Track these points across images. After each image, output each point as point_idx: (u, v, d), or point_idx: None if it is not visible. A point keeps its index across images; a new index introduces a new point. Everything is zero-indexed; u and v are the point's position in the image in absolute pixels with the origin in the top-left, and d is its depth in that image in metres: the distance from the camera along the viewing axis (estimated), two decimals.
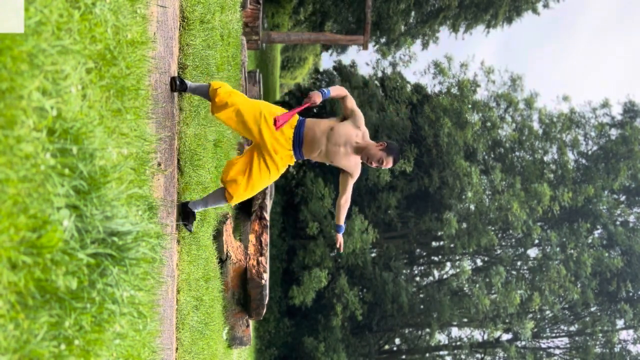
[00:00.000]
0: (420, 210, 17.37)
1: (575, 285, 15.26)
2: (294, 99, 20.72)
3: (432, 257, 19.36)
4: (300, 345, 16.26)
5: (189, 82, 3.34)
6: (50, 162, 1.20)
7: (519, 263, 17.26)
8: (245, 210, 6.32)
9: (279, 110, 3.29)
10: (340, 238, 3.53)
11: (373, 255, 17.77)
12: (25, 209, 1.14)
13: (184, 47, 3.68)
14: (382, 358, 19.40)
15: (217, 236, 5.30)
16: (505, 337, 17.85)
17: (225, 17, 5.30)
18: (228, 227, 5.60)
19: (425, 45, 19.75)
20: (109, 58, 1.63)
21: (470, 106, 16.28)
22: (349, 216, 14.55)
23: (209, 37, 4.25)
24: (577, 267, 14.97)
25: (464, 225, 15.86)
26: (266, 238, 6.10)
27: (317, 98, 3.17)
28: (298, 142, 3.26)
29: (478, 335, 18.02)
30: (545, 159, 17.06)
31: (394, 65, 18.12)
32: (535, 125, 17.11)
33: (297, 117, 3.29)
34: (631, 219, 16.80)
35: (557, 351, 17.89)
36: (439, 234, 16.90)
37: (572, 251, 15.48)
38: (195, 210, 3.48)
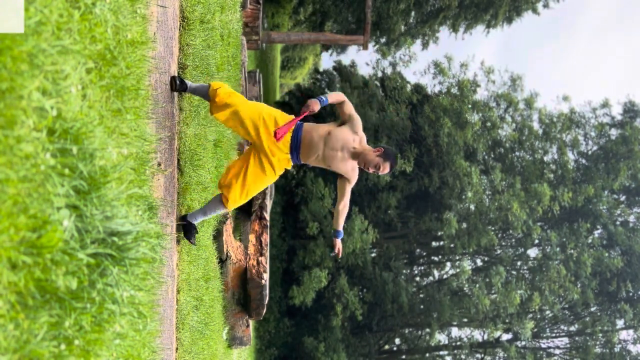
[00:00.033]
0: (420, 210, 17.37)
1: (575, 285, 15.26)
2: (294, 99, 20.72)
3: (432, 257, 19.36)
4: (300, 345, 16.26)
5: (189, 82, 3.34)
6: (50, 162, 1.20)
7: (519, 263, 17.26)
8: (245, 210, 6.32)
9: (278, 113, 3.29)
10: (338, 243, 3.53)
11: (373, 255, 17.77)
12: (25, 209, 1.14)
13: (184, 47, 3.68)
14: (382, 358, 19.40)
15: (217, 236, 5.30)
16: (505, 337, 17.85)
17: (225, 17, 5.30)
18: (228, 227, 5.60)
19: (425, 45, 19.76)
20: (109, 58, 1.63)
21: (470, 106, 16.28)
22: (349, 216, 14.55)
23: (209, 37, 4.25)
24: (577, 267, 14.97)
25: (464, 225, 15.86)
26: (266, 238, 6.10)
27: (315, 106, 3.19)
28: (295, 146, 3.26)
29: (478, 335, 18.02)
30: (545, 159, 17.06)
31: (394, 65, 18.13)
32: (535, 125, 17.12)
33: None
34: (631, 219, 16.81)
35: (557, 351, 17.89)
36: (439, 234, 16.90)
37: (572, 251, 15.48)
38: (195, 222, 3.47)
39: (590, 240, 15.97)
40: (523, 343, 17.03)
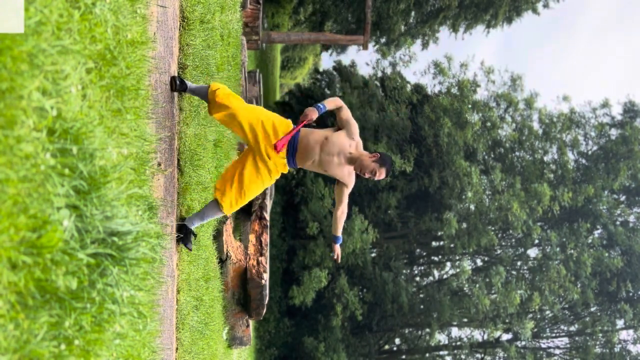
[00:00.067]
0: (420, 210, 17.37)
1: (575, 285, 15.26)
2: (294, 99, 20.73)
3: (432, 257, 19.36)
4: (300, 345, 16.27)
5: (189, 83, 3.34)
6: (50, 162, 1.20)
7: (519, 263, 17.26)
8: (245, 210, 6.32)
9: (276, 118, 3.30)
10: (337, 249, 3.54)
11: (373, 255, 17.77)
12: (25, 209, 1.14)
13: (184, 47, 3.68)
14: (382, 358, 19.40)
15: (217, 236, 5.30)
16: (505, 337, 17.85)
17: (225, 17, 5.30)
18: (228, 227, 5.60)
19: (425, 45, 19.76)
20: (109, 58, 1.63)
21: (470, 106, 16.28)
22: (348, 216, 14.54)
23: (209, 37, 4.25)
24: (577, 267, 14.97)
25: (464, 225, 15.86)
26: (266, 238, 6.10)
27: (313, 114, 3.21)
28: (292, 150, 3.27)
29: (478, 335, 18.02)
30: (545, 159, 17.06)
31: (394, 65, 18.13)
32: (535, 125, 17.12)
33: (291, 125, 3.30)
34: (631, 219, 16.81)
35: (557, 351, 17.89)
36: (439, 234, 16.90)
37: (572, 251, 15.48)
38: (193, 227, 3.48)
39: (590, 240, 15.97)
40: (523, 343, 17.03)
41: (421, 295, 18.27)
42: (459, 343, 17.94)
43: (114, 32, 1.66)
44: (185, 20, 3.70)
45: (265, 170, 3.28)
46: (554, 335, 18.06)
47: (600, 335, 16.10)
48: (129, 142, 1.77)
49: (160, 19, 2.91)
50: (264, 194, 6.17)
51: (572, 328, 17.58)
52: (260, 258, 5.83)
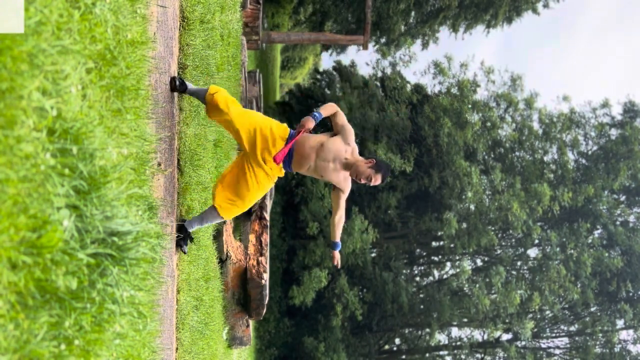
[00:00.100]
0: (420, 210, 17.37)
1: (575, 285, 15.26)
2: (294, 99, 20.72)
3: (432, 257, 19.36)
4: (300, 345, 16.27)
5: (189, 84, 3.34)
6: (50, 162, 1.20)
7: (519, 263, 17.26)
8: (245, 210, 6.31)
9: (273, 123, 3.30)
10: (337, 256, 3.55)
11: (373, 255, 17.78)
12: (25, 209, 1.14)
13: (184, 47, 3.68)
14: (382, 358, 19.40)
15: (217, 236, 5.30)
16: (505, 337, 17.85)
17: (225, 17, 5.30)
18: (228, 227, 5.60)
19: (425, 45, 19.76)
20: (109, 58, 1.63)
21: (470, 106, 16.28)
22: (348, 216, 14.55)
23: (209, 37, 4.25)
24: (577, 267, 14.97)
25: (464, 225, 15.86)
26: (266, 238, 6.10)
27: (309, 124, 3.23)
28: (288, 156, 3.29)
29: (478, 335, 18.03)
30: (545, 159, 17.06)
31: (394, 65, 18.13)
32: (535, 125, 17.12)
33: (288, 130, 3.30)
34: (631, 219, 16.81)
35: (557, 351, 17.89)
36: (439, 234, 16.90)
37: (572, 251, 15.48)
38: (191, 230, 3.49)
39: (590, 240, 15.97)
40: (523, 343, 17.03)
41: (421, 295, 18.27)
42: (459, 343, 17.94)
43: (114, 32, 1.66)
44: (185, 20, 3.70)
45: (262, 174, 3.30)
46: (554, 335, 18.06)
47: (600, 335, 16.10)
48: (129, 142, 1.77)
49: (160, 19, 2.91)
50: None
51: (572, 328, 17.59)
52: (260, 258, 5.83)
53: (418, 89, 17.59)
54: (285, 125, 3.34)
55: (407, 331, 19.12)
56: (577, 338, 17.19)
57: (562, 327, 17.93)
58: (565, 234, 15.59)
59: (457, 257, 17.49)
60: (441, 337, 18.52)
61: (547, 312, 17.24)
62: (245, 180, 3.29)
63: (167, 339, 2.99)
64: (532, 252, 17.14)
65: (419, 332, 18.66)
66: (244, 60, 7.99)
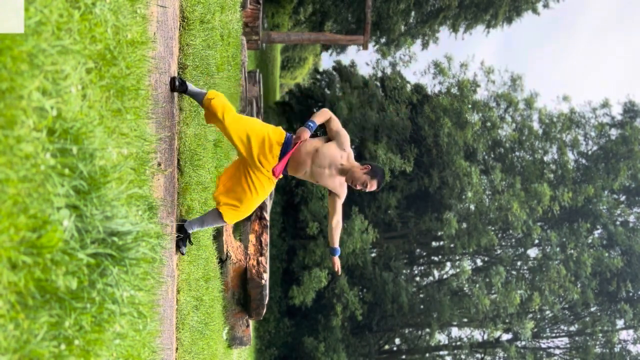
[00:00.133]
0: (420, 210, 17.37)
1: (575, 285, 15.26)
2: (294, 99, 20.72)
3: (432, 257, 19.36)
4: (300, 345, 16.27)
5: (190, 85, 3.34)
6: (50, 162, 1.20)
7: (519, 263, 17.26)
8: None
9: (270, 128, 3.30)
10: (337, 262, 3.54)
11: (373, 255, 17.77)
12: (25, 209, 1.14)
13: (184, 47, 3.68)
14: (382, 358, 19.40)
15: (217, 236, 5.30)
16: (505, 337, 17.85)
17: (225, 17, 5.30)
18: (228, 227, 5.60)
19: (425, 45, 19.76)
20: (109, 58, 1.63)
21: (470, 106, 16.28)
22: (349, 216, 14.55)
23: (209, 37, 4.25)
24: (577, 267, 14.97)
25: (464, 225, 15.86)
26: (266, 238, 6.10)
27: (305, 135, 3.23)
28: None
29: (478, 335, 18.02)
30: (545, 159, 17.06)
31: (394, 65, 18.13)
32: (535, 125, 17.12)
33: (284, 134, 3.30)
34: (631, 219, 16.81)
35: (557, 351, 17.89)
36: (439, 234, 16.90)
37: (572, 251, 15.48)
38: (191, 231, 3.50)
39: (590, 240, 15.97)
40: (523, 343, 17.03)
41: (421, 295, 18.27)
42: (459, 343, 17.94)
43: (114, 32, 1.66)
44: (185, 20, 3.70)
45: (262, 177, 3.32)
46: (554, 335, 18.06)
47: (600, 335, 16.10)
48: (129, 142, 1.77)
49: (160, 19, 2.91)
50: None
51: (572, 328, 17.59)
52: (260, 258, 5.83)
53: (418, 89, 17.59)
54: (280, 129, 3.34)
55: (407, 331, 19.12)
56: (577, 338, 17.19)
57: (562, 327, 17.93)
58: (565, 234, 15.59)
59: (457, 257, 17.49)
60: (441, 337, 18.54)
61: (547, 312, 17.24)
62: (247, 185, 3.31)
63: (167, 339, 2.99)
64: (532, 252, 17.15)
65: (419, 332, 18.66)
66: (244, 60, 7.99)
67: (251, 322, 6.74)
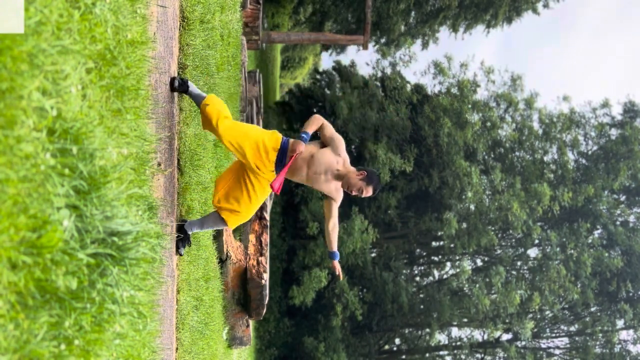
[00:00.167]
0: (420, 210, 17.37)
1: (575, 285, 15.26)
2: (294, 99, 20.72)
3: (432, 257, 19.36)
4: (300, 345, 16.26)
5: (192, 86, 3.33)
6: (50, 162, 1.20)
7: (519, 263, 17.26)
8: None
9: (266, 135, 3.29)
10: (337, 266, 3.53)
11: (373, 255, 17.77)
12: (25, 209, 1.14)
13: (184, 47, 3.68)
14: (382, 358, 19.40)
15: (217, 236, 5.30)
16: (505, 337, 17.85)
17: (225, 17, 5.30)
18: (228, 228, 5.59)
19: (425, 45, 19.76)
20: (109, 58, 1.63)
21: (470, 106, 16.28)
22: (349, 216, 14.55)
23: (209, 37, 4.25)
24: (577, 267, 14.96)
25: (464, 225, 15.86)
26: (266, 238, 6.10)
27: (300, 147, 3.21)
28: (281, 165, 3.29)
29: (478, 335, 18.02)
30: (545, 159, 17.06)
31: (394, 65, 18.13)
32: (535, 125, 17.12)
33: (280, 139, 3.29)
34: (631, 219, 16.80)
35: (557, 351, 17.89)
36: (439, 234, 16.90)
37: (572, 251, 15.48)
38: (190, 232, 3.51)
39: (590, 240, 15.97)
40: (523, 343, 17.03)
41: (421, 295, 18.27)
42: (459, 343, 17.94)
43: (114, 32, 1.66)
44: (185, 20, 3.70)
45: (263, 180, 3.35)
46: (554, 335, 18.06)
47: (600, 335, 16.09)
48: (129, 142, 1.77)
49: (160, 19, 2.91)
50: None
51: (572, 328, 17.58)
52: (260, 258, 5.83)
53: (418, 89, 17.59)
54: (277, 134, 3.32)
55: (407, 331, 19.11)
56: (577, 338, 17.19)
57: (562, 327, 17.92)
58: (565, 234, 15.59)
59: (457, 257, 17.49)
60: (441, 337, 18.54)
61: (547, 312, 17.23)
62: (247, 189, 3.34)
63: (167, 339, 2.99)
64: (532, 252, 17.15)
65: (419, 332, 18.66)
66: (244, 60, 7.99)
67: (251, 322, 6.74)
